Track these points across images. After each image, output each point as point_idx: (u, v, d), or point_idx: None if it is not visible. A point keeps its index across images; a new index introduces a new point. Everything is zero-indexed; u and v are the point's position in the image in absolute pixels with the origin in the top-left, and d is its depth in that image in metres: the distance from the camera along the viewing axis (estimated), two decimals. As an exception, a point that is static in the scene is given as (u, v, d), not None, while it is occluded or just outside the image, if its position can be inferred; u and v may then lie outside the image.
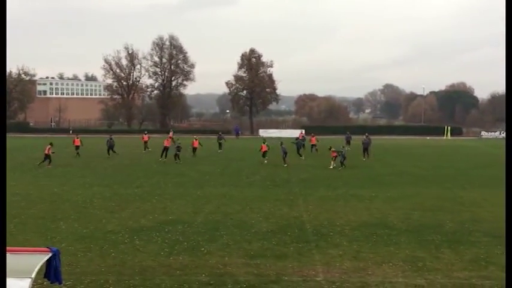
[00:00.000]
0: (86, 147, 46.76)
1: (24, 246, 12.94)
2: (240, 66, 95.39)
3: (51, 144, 39.18)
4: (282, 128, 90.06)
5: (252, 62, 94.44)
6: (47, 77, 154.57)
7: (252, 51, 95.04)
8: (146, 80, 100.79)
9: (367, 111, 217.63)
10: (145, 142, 51.29)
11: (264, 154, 41.95)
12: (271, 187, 29.61)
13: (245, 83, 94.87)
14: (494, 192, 28.10)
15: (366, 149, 44.46)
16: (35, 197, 25.57)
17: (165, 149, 42.65)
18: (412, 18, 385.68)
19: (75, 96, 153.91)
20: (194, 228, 19.41)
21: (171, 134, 59.26)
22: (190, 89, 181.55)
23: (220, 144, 51.52)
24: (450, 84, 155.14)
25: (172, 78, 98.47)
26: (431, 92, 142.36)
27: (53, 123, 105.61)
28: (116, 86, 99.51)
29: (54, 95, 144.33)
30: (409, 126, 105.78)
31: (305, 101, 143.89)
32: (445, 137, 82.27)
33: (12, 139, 67.25)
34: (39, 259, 10.42)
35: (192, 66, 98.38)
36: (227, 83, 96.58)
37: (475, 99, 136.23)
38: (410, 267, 14.97)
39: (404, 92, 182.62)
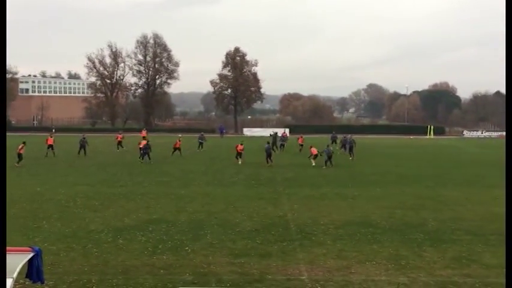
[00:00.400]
0: (70, 146, 46.37)
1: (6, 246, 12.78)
2: (225, 65, 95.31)
3: (24, 143, 38.28)
4: (267, 127, 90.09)
5: (236, 61, 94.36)
6: (29, 75, 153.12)
7: (237, 50, 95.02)
8: (130, 79, 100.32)
9: (351, 110, 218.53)
10: (120, 142, 50.20)
11: (239, 154, 40.86)
12: (255, 186, 29.63)
13: (229, 81, 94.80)
14: (476, 191, 28.45)
15: (351, 149, 44.62)
16: (17, 196, 25.30)
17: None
18: (395, 18, 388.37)
19: (58, 94, 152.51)
20: (178, 227, 19.36)
21: (144, 132, 58.85)
22: (174, 88, 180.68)
23: (200, 144, 50.89)
24: (433, 84, 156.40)
25: (157, 77, 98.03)
26: (414, 92, 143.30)
27: (35, 122, 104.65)
28: (100, 85, 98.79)
29: (36, 93, 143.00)
30: (393, 125, 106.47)
31: (289, 100, 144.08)
32: (427, 136, 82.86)
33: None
34: (21, 259, 10.35)
35: (176, 64, 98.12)
36: (211, 82, 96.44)
37: (458, 98, 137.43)
38: (393, 265, 15.08)
39: (388, 91, 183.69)
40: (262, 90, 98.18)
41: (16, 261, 10.13)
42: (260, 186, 29.68)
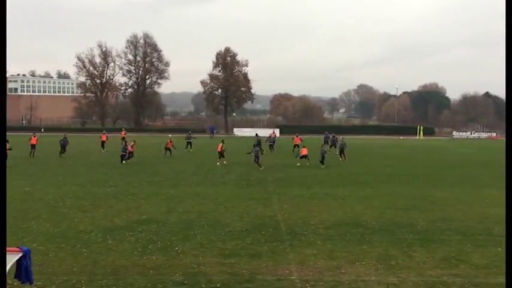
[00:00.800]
0: (58, 146, 46.02)
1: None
2: (215, 65, 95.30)
3: (7, 141, 37.59)
4: (257, 127, 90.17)
5: (227, 61, 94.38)
6: (18, 74, 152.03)
7: (227, 50, 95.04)
8: (120, 78, 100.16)
9: (342, 111, 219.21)
10: (103, 142, 49.76)
11: (221, 154, 40.40)
12: (245, 186, 29.62)
13: (220, 82, 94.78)
14: (465, 191, 28.61)
15: (342, 151, 44.63)
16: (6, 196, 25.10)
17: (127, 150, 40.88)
18: (385, 19, 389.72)
19: (47, 94, 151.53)
20: (168, 228, 19.30)
21: (123, 133, 58.09)
22: (164, 88, 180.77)
23: (189, 144, 50.70)
24: (423, 85, 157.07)
25: (147, 77, 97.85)
26: (404, 92, 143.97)
27: (24, 121, 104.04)
28: (89, 84, 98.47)
29: (25, 93, 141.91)
30: (383, 126, 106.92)
31: (280, 101, 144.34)
32: (417, 137, 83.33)
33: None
34: (10, 259, 10.27)
35: (167, 64, 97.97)
36: (202, 82, 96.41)
37: (447, 99, 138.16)
38: (383, 265, 15.11)
39: (378, 92, 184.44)
40: (252, 91, 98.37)
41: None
42: (250, 186, 29.67)
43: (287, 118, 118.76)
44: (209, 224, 20.01)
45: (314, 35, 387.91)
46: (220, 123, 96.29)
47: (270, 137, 52.24)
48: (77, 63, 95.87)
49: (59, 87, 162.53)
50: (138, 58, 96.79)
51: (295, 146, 48.62)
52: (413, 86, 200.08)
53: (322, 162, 38.55)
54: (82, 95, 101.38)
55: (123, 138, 50.94)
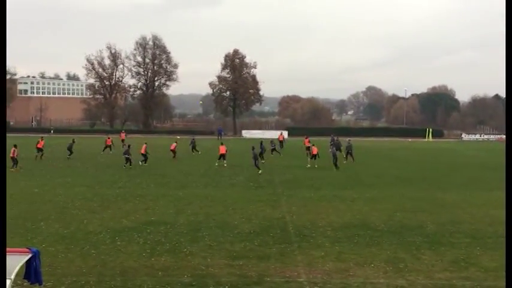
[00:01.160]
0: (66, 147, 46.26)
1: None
2: (224, 67, 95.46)
3: (15, 146, 37.09)
4: (266, 129, 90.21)
5: (235, 63, 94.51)
6: (28, 76, 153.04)
7: (236, 52, 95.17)
8: (129, 80, 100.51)
9: (350, 113, 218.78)
10: (107, 145, 49.84)
11: (222, 156, 40.53)
12: (254, 188, 29.62)
13: (228, 83, 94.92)
14: (475, 193, 28.45)
15: (349, 153, 44.42)
16: (15, 197, 25.27)
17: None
18: (394, 20, 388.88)
19: (56, 95, 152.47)
20: (176, 229, 19.34)
21: (123, 135, 57.50)
22: (173, 90, 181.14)
23: (193, 148, 50.20)
24: (432, 87, 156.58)
25: (155, 79, 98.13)
26: (413, 95, 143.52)
27: (33, 123, 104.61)
28: (98, 86, 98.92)
29: (35, 94, 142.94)
30: (391, 128, 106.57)
31: (288, 103, 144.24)
32: (426, 139, 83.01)
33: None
34: (19, 260, 10.32)
35: (175, 66, 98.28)
36: (210, 84, 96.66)
37: (456, 101, 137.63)
38: (392, 268, 15.06)
39: (386, 94, 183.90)
40: (261, 92, 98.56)
41: (14, 263, 10.11)
42: (259, 188, 29.67)
43: (295, 120, 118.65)
44: (217, 225, 20.03)
45: (321, 36, 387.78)
46: (229, 125, 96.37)
47: (271, 141, 50.60)
48: (86, 65, 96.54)
49: (69, 89, 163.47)
50: (147, 60, 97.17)
51: (307, 148, 47.96)
52: (422, 88, 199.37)
53: (335, 164, 38.22)
54: (91, 96, 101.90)
55: (123, 141, 50.85)
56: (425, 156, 52.58)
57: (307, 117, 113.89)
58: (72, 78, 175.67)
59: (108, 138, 51.38)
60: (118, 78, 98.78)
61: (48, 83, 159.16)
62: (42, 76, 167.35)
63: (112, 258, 15.61)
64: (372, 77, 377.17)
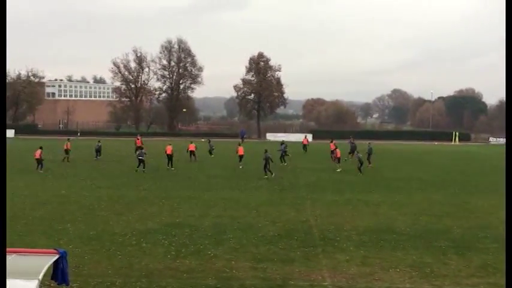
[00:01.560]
0: (93, 149, 46.80)
1: (31, 248, 12.97)
2: (248, 70, 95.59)
3: (41, 148, 37.62)
4: (290, 132, 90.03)
5: (260, 66, 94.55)
6: (56, 79, 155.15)
7: (260, 55, 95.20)
8: (154, 83, 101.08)
9: (375, 116, 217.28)
10: (140, 147, 49.99)
11: (240, 158, 41.27)
12: (278, 191, 29.59)
13: (253, 86, 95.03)
14: (502, 198, 27.92)
15: (368, 156, 43.76)
16: (42, 199, 25.67)
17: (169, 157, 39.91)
18: (420, 22, 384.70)
19: (83, 98, 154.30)
20: (201, 232, 19.42)
21: (138, 141, 55.33)
22: (198, 92, 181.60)
23: (211, 150, 50.28)
24: (458, 90, 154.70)
25: (180, 82, 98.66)
26: (439, 98, 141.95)
27: (61, 125, 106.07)
28: (124, 89, 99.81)
29: (62, 97, 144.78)
30: (417, 131, 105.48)
31: (313, 105, 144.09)
32: (452, 143, 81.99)
33: (21, 141, 67.68)
34: (47, 261, 10.47)
35: (200, 69, 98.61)
36: (235, 87, 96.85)
37: (484, 104, 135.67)
38: (418, 273, 14.91)
39: (412, 97, 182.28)
40: (285, 95, 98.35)
41: (42, 263, 10.25)
42: (283, 191, 29.64)
43: (320, 123, 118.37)
44: (242, 228, 20.06)
45: (346, 39, 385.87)
46: (253, 128, 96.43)
47: (281, 145, 49.23)
48: (112, 68, 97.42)
49: (95, 92, 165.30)
50: (172, 63, 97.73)
51: (332, 151, 47.28)
52: (448, 91, 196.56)
53: (359, 169, 37.84)
54: (117, 99, 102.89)
55: (140, 146, 50.20)
56: (452, 160, 51.92)
57: (331, 120, 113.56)
58: (99, 81, 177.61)
59: (138, 139, 51.31)
60: (143, 81, 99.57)
61: (75, 86, 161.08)
62: (70, 79, 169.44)
63: (137, 260, 15.75)
64: (397, 80, 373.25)
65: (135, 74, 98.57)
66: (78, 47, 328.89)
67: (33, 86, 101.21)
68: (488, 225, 21.17)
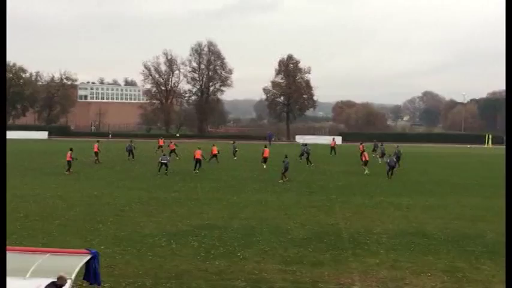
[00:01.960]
0: (124, 151, 47.37)
1: (64, 248, 13.20)
2: (278, 73, 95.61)
3: (71, 149, 37.87)
4: (319, 135, 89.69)
5: (289, 68, 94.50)
6: (88, 82, 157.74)
7: (290, 57, 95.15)
8: (184, 86, 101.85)
9: (406, 118, 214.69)
10: (161, 147, 52.22)
11: (265, 159, 42.17)
12: (307, 193, 29.50)
13: (282, 89, 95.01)
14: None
15: (397, 160, 43.11)
16: (75, 200, 26.07)
17: (197, 161, 39.24)
18: (452, 24, 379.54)
19: (114, 100, 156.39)
20: (230, 233, 19.48)
21: (161, 141, 55.40)
22: (227, 95, 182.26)
23: (235, 152, 50.37)
24: (492, 92, 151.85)
25: (210, 84, 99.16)
26: (472, 100, 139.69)
27: (93, 127, 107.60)
28: (155, 91, 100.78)
29: (94, 100, 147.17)
30: (449, 134, 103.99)
31: (342, 108, 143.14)
32: (485, 146, 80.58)
33: (55, 142, 68.94)
34: (79, 261, 10.65)
35: (230, 72, 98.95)
36: (264, 89, 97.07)
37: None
38: (450, 277, 14.69)
39: (444, 99, 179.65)
40: (315, 98, 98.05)
41: (74, 263, 10.44)
42: (312, 193, 29.53)
43: (349, 125, 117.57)
44: (271, 230, 20.05)
45: (376, 41, 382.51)
46: (282, 130, 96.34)
47: (302, 145, 49.02)
48: (143, 71, 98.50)
49: (126, 94, 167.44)
50: (202, 66, 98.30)
51: (361, 153, 46.87)
52: (481, 93, 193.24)
53: (388, 173, 36.94)
54: (148, 102, 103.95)
55: (161, 147, 51.48)
56: (485, 163, 51.03)
57: (361, 123, 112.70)
58: (130, 83, 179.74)
59: (171, 143, 51.61)
60: (174, 83, 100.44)
61: (107, 89, 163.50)
62: (102, 82, 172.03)
63: (167, 261, 15.87)
64: (428, 82, 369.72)
65: (166, 76, 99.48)
66: (111, 51, 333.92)
67: (66, 89, 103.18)
68: (523, 230, 20.72)
